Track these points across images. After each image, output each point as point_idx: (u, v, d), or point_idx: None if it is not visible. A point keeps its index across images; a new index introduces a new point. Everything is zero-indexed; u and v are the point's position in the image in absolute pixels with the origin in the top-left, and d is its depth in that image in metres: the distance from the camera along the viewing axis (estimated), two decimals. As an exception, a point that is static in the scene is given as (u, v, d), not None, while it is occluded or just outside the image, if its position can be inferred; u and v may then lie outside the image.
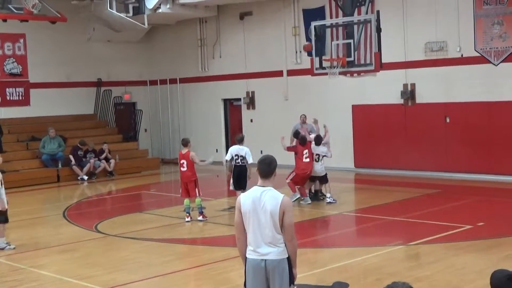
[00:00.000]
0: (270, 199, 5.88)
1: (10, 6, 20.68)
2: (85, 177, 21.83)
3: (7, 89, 23.95)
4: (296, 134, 16.23)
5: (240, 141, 14.75)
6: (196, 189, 13.86)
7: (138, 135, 26.85)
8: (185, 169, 13.85)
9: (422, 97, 19.61)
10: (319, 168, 15.55)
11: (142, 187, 20.08)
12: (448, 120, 19.08)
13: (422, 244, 11.33)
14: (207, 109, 25.68)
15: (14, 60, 24.12)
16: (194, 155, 13.81)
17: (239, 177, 14.50)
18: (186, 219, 13.93)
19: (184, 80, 26.45)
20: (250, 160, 14.46)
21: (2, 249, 11.99)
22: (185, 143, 14.02)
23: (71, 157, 22.06)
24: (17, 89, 24.20)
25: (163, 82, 27.07)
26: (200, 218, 14.03)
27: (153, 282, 9.73)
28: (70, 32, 24.54)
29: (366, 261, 10.25)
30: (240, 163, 14.56)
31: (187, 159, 13.78)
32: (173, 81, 26.75)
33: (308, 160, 15.33)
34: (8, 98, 24.01)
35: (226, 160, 15.30)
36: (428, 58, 19.28)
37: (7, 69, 23.97)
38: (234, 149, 14.67)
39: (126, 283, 9.57)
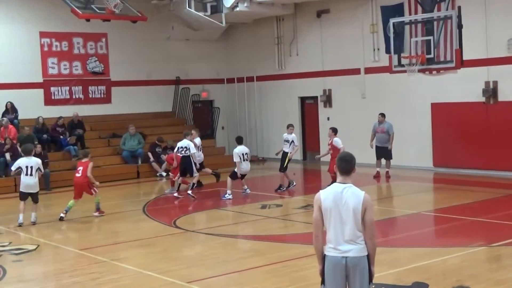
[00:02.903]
0: (352, 196, 5.87)
1: (93, 6, 21.26)
2: (164, 174, 22.16)
3: (89, 87, 24.64)
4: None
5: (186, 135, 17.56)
6: (92, 190, 14.79)
7: (215, 132, 27.12)
8: (79, 175, 14.72)
9: (504, 95, 19.05)
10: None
11: (218, 184, 20.25)
12: (532, 119, 18.48)
13: (505, 245, 11.01)
14: (284, 107, 25.70)
15: (96, 59, 24.78)
16: (91, 167, 14.87)
17: (186, 166, 17.10)
18: (61, 214, 14.61)
19: (261, 78, 26.56)
20: (193, 150, 16.99)
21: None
22: (86, 154, 15.51)
23: (149, 154, 22.47)
24: (99, 87, 24.87)
25: (240, 80, 27.25)
26: (96, 214, 14.98)
27: (230, 278, 9.81)
28: (150, 31, 25.04)
29: (446, 262, 10.04)
30: (185, 154, 17.04)
31: (85, 168, 14.73)
32: (250, 79, 26.90)
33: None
34: (90, 96, 24.70)
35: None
36: (512, 54, 18.74)
37: (90, 68, 24.65)
38: (180, 143, 17.34)
39: (204, 278, 9.69)
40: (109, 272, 10.25)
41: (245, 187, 17.48)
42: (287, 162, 17.84)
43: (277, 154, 18.53)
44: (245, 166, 17.15)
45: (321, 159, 19.87)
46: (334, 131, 17.37)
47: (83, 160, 15.04)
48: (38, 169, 14.08)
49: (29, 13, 23.18)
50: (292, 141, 17.93)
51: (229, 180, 17.08)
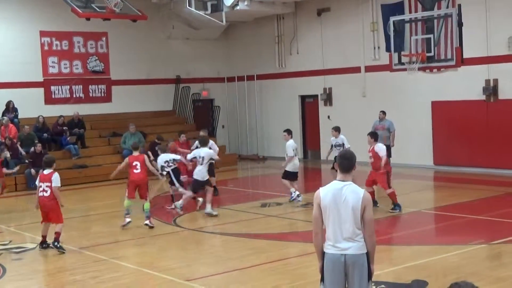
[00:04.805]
0: (352, 193, 5.87)
1: (93, 5, 21.24)
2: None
3: (90, 86, 24.67)
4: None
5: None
6: (147, 192, 13.75)
7: (215, 131, 27.13)
8: (138, 171, 13.55)
9: (505, 93, 19.04)
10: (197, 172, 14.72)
11: (219, 182, 20.21)
12: (532, 117, 18.46)
13: (504, 243, 11.02)
14: (284, 106, 25.70)
15: (96, 58, 24.80)
16: (147, 158, 13.89)
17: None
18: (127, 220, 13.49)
19: (261, 77, 26.57)
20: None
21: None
22: (136, 147, 14.17)
23: (149, 152, 22.37)
24: (100, 86, 24.88)
25: (241, 78, 27.26)
26: (148, 222, 13.40)
27: (231, 276, 9.81)
28: (150, 30, 25.07)
29: (446, 260, 10.04)
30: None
31: (142, 162, 13.59)
32: (250, 77, 26.91)
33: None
34: (91, 95, 24.71)
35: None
36: (512, 53, 18.72)
37: (90, 67, 24.67)
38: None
39: (204, 276, 9.70)
40: (109, 270, 10.25)
41: (298, 192, 15.68)
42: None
43: (327, 158, 17.53)
44: (297, 163, 15.64)
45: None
46: (373, 136, 14.25)
47: (135, 154, 13.82)
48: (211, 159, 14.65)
49: (30, 12, 23.20)
50: (343, 143, 16.77)
51: (286, 182, 15.65)
